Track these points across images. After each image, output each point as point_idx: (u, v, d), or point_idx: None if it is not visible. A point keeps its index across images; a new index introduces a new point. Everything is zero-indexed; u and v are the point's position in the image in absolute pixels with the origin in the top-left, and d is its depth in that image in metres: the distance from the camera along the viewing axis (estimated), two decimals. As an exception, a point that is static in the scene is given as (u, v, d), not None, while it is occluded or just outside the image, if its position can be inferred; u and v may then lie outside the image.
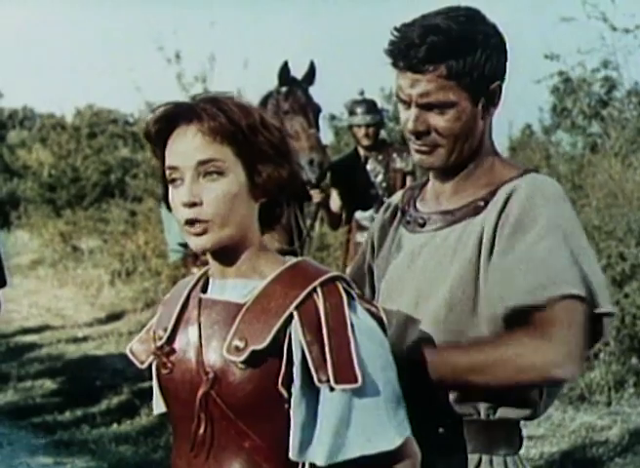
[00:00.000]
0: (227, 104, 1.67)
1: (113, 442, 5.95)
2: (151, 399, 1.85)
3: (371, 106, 6.32)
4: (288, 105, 5.62)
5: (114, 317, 9.91)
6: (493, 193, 1.89)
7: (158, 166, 1.74)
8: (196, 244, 1.69)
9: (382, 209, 2.12)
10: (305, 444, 1.63)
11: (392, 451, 1.64)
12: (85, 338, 9.05)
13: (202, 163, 1.66)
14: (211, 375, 1.67)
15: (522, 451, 1.93)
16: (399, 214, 2.05)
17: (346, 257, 6.17)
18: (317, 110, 5.77)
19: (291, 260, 1.72)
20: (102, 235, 12.97)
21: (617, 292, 6.15)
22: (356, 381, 1.60)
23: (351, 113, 6.35)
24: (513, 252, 1.81)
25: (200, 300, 1.75)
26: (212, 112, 1.65)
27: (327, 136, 13.40)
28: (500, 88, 1.91)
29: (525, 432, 1.95)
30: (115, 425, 6.28)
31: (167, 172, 1.71)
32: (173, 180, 1.69)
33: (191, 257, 5.92)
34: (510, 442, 1.90)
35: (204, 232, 1.67)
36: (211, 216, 1.66)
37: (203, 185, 1.66)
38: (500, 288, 1.81)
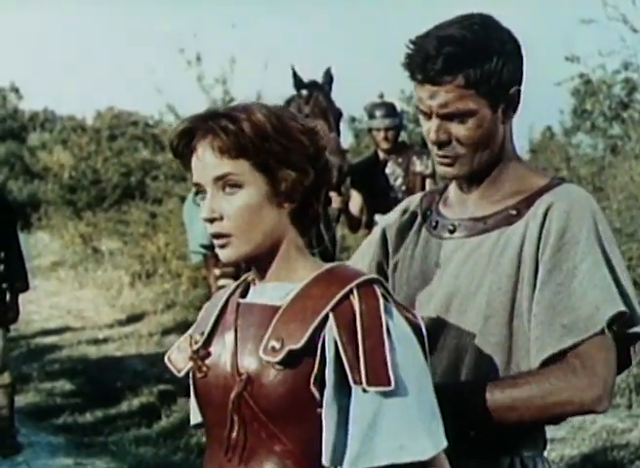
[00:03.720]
0: (238, 118, 1.66)
1: (133, 443, 5.98)
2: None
3: (390, 109, 6.31)
4: (309, 109, 5.61)
5: (134, 318, 9.94)
6: (527, 203, 1.90)
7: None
8: (223, 256, 1.70)
9: (399, 211, 2.11)
10: (338, 449, 1.60)
11: (423, 463, 1.59)
12: (105, 340, 9.09)
13: (218, 178, 1.67)
14: (244, 377, 1.65)
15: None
16: (419, 219, 2.05)
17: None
18: (338, 114, 5.76)
19: (329, 264, 1.72)
20: (123, 237, 13.01)
21: (637, 295, 6.11)
22: (389, 384, 1.56)
23: (370, 116, 6.35)
24: (555, 280, 1.83)
25: (238, 305, 1.74)
26: (220, 128, 1.66)
27: (347, 139, 13.43)
28: (518, 92, 1.92)
29: (546, 435, 1.95)
30: (135, 427, 6.30)
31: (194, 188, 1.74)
32: (200, 194, 1.72)
33: (213, 259, 5.92)
34: (535, 442, 1.91)
35: (228, 245, 1.69)
36: (232, 230, 1.67)
37: (223, 199, 1.68)
38: (540, 330, 1.82)
